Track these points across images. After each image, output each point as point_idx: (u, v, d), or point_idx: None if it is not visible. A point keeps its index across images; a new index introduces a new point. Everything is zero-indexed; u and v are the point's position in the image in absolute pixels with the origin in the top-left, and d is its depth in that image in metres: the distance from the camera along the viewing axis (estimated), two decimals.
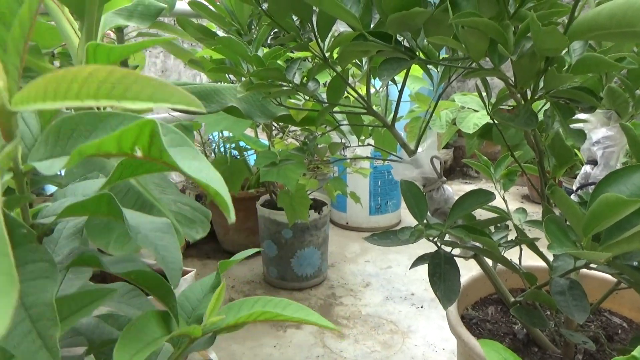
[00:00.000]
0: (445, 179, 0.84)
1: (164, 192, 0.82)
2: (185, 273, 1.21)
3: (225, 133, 2.12)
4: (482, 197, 0.65)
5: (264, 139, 1.90)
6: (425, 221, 0.67)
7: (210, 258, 2.05)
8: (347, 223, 2.35)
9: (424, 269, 1.88)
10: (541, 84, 0.55)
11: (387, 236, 0.71)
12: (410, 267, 0.74)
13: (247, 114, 1.05)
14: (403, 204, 2.52)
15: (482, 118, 2.07)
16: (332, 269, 1.92)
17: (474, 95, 2.29)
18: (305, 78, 0.86)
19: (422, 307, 1.61)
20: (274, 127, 1.82)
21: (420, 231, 0.63)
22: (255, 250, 0.35)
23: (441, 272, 0.68)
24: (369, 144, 1.23)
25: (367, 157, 1.06)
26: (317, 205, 1.75)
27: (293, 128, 1.98)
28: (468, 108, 2.20)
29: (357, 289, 1.75)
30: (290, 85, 0.83)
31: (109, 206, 0.33)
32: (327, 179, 1.86)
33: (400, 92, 0.85)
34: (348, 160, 1.93)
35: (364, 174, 1.75)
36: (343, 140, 0.99)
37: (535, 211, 2.57)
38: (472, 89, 3.51)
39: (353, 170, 1.77)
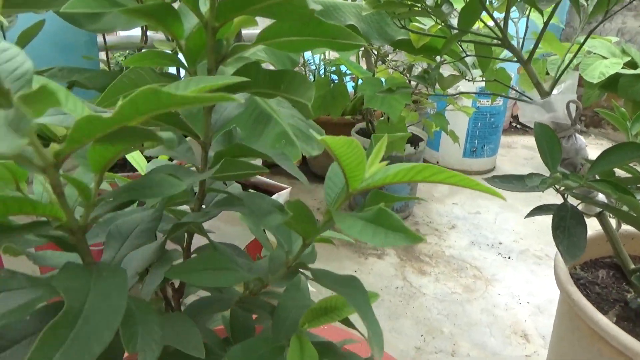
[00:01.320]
0: (579, 126, 0.76)
1: (281, 104, 0.82)
2: (281, 189, 1.24)
3: (327, 56, 2.08)
4: (633, 152, 0.58)
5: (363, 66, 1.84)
6: (557, 171, 0.61)
7: (298, 180, 2.10)
8: (437, 162, 2.28)
9: (515, 220, 1.80)
10: None
11: (509, 180, 0.67)
12: (527, 216, 0.70)
13: (364, 35, 1.00)
14: (500, 151, 2.39)
15: (610, 67, 1.85)
16: (418, 207, 1.89)
17: (604, 40, 2.03)
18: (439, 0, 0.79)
19: (509, 257, 1.56)
20: (373, 55, 1.74)
21: (557, 180, 0.58)
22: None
23: (566, 226, 0.63)
24: (483, 78, 1.14)
25: (493, 94, 0.99)
26: (413, 140, 1.70)
27: (394, 58, 1.89)
28: (595, 54, 1.97)
29: (442, 230, 1.73)
30: (422, 6, 0.77)
31: None
32: (426, 114, 1.78)
33: (547, 22, 0.76)
34: (452, 96, 1.83)
35: (468, 112, 1.66)
36: (465, 74, 0.92)
37: None
38: (600, 33, 3.13)
39: (456, 108, 1.68)
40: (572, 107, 0.76)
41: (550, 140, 0.64)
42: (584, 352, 0.72)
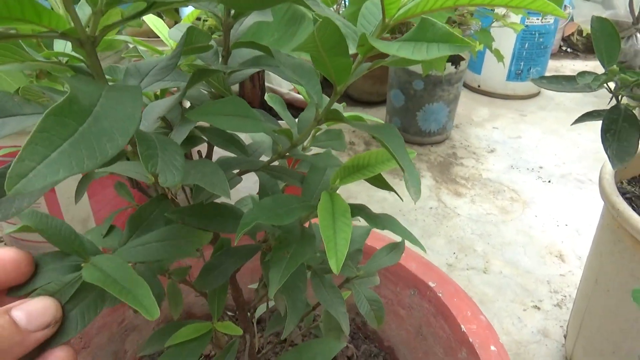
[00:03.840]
0: None
1: (317, 4, 0.78)
2: None
3: None
4: None
5: None
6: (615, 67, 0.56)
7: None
8: (479, 86, 2.19)
9: (558, 144, 1.73)
10: None
11: (558, 80, 0.62)
12: (574, 123, 0.66)
13: None
14: (547, 73, 2.26)
15: None
16: (457, 130, 1.84)
17: None
18: None
19: (549, 181, 1.51)
20: None
21: (613, 73, 0.53)
22: None
23: (617, 129, 0.59)
24: None
25: None
26: (454, 59, 1.62)
27: None
28: None
29: (481, 153, 1.68)
30: None
31: None
32: (470, 33, 1.68)
33: None
34: (498, 11, 1.71)
35: (515, 28, 1.55)
36: None
37: None
38: None
39: (503, 23, 1.57)
40: (637, 3, 0.69)
41: (609, 36, 0.58)
42: (624, 264, 0.71)
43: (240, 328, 0.33)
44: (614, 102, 0.64)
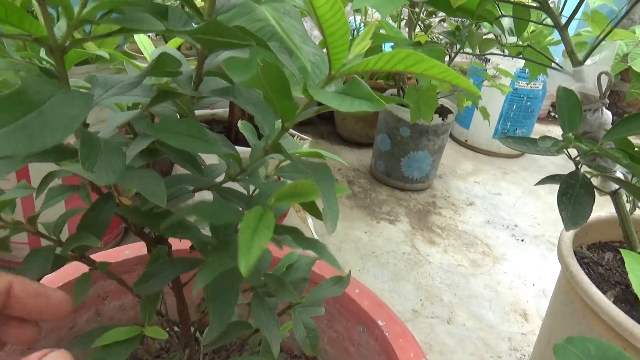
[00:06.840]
0: (608, 101, 0.74)
1: (306, 43, 0.82)
2: (301, 139, 1.25)
3: (369, 18, 2.04)
4: None
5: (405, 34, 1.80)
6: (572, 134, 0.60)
7: (323, 138, 2.10)
8: (466, 140, 2.24)
9: (535, 205, 1.76)
10: None
11: (523, 142, 0.66)
12: (537, 184, 0.69)
13: None
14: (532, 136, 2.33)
15: None
16: (439, 180, 1.88)
17: None
18: None
19: (522, 240, 1.54)
20: (418, 25, 1.71)
21: (570, 140, 0.57)
22: None
23: (573, 193, 0.62)
24: (520, 55, 1.10)
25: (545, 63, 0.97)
26: (442, 111, 1.67)
27: (437, 31, 1.84)
28: None
29: (459, 205, 1.71)
30: None
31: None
32: (458, 89, 1.74)
33: None
34: (489, 72, 1.79)
35: (503, 90, 1.61)
36: (499, 37, 0.89)
37: None
38: None
39: (492, 83, 1.63)
40: (604, 79, 0.74)
41: (572, 106, 0.62)
42: (574, 326, 0.72)
43: (165, 332, 0.34)
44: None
